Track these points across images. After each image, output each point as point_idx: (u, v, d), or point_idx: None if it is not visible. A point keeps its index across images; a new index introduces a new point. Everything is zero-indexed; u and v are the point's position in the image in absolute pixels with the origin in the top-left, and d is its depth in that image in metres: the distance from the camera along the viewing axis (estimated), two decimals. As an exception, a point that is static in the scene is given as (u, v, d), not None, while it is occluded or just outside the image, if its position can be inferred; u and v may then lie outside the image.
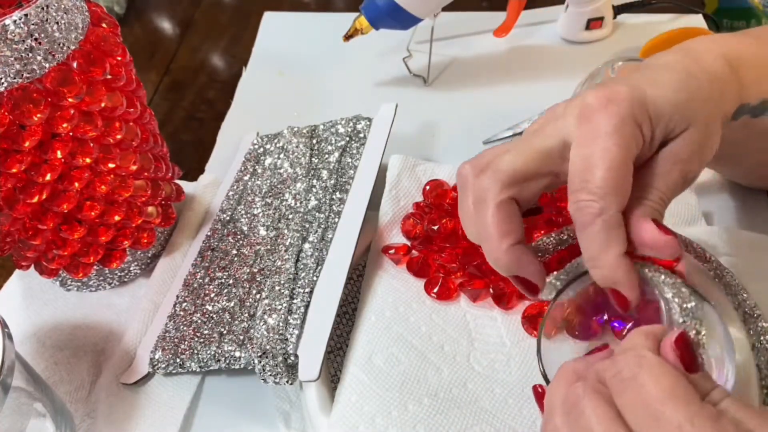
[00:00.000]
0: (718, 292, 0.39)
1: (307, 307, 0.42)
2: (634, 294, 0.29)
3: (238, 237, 0.50)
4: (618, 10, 0.69)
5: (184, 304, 0.46)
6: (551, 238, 0.37)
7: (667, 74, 0.31)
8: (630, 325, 0.36)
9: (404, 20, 0.58)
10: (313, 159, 0.52)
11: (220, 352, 0.41)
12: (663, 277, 0.30)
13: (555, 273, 0.34)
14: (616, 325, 0.36)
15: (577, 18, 0.67)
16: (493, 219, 0.31)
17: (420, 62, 0.66)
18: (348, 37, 0.61)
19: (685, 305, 0.29)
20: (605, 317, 0.37)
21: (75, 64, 0.38)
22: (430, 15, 0.59)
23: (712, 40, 0.33)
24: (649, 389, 0.24)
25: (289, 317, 0.41)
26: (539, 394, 0.32)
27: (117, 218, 0.45)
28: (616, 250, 0.29)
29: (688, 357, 0.26)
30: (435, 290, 0.43)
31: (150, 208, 0.48)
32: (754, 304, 0.37)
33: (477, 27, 0.71)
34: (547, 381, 0.33)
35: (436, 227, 0.45)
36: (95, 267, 0.47)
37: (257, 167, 0.55)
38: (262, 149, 0.56)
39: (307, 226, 0.47)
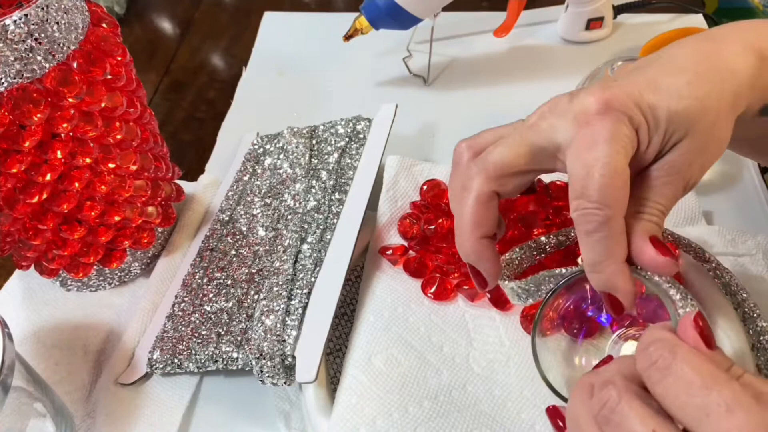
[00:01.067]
0: (717, 292, 0.39)
1: (305, 308, 0.42)
2: (630, 301, 0.30)
3: (237, 237, 0.50)
4: (618, 10, 0.69)
5: (183, 304, 0.46)
6: (550, 239, 0.38)
7: (672, 77, 0.30)
8: (627, 323, 0.37)
9: (404, 20, 0.58)
10: (312, 159, 0.52)
11: (217, 352, 0.41)
12: (657, 278, 0.30)
13: (518, 281, 0.34)
14: (603, 320, 0.36)
15: (577, 18, 0.67)
16: (470, 208, 0.32)
17: (420, 62, 0.66)
18: (348, 37, 0.61)
19: (688, 298, 0.29)
20: (603, 316, 0.37)
21: (75, 64, 0.38)
22: (430, 15, 0.59)
23: (749, 28, 0.32)
24: (689, 376, 0.24)
25: (286, 318, 0.41)
26: (553, 413, 0.31)
27: (117, 218, 0.45)
28: (618, 259, 0.29)
29: (708, 333, 0.26)
30: (432, 290, 0.43)
31: (150, 208, 0.48)
32: (754, 303, 0.37)
33: (477, 27, 0.71)
34: (546, 381, 0.33)
35: (432, 227, 0.45)
36: (95, 267, 0.47)
37: (257, 167, 0.55)
38: (261, 149, 0.56)
39: (305, 226, 0.47)
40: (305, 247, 0.46)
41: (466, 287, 0.42)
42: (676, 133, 0.29)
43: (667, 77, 0.30)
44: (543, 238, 0.38)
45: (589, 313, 0.37)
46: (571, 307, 0.36)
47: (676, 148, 0.30)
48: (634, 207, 0.30)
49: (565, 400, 0.32)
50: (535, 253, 0.38)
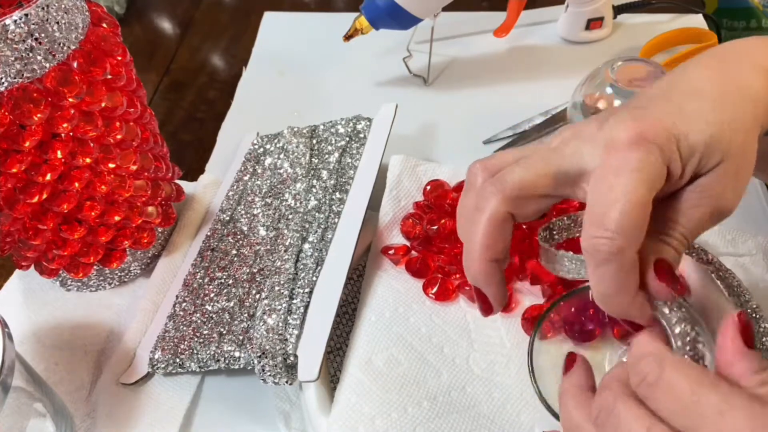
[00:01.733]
0: (720, 295, 0.39)
1: (306, 307, 0.42)
2: (647, 322, 0.29)
3: (238, 237, 0.50)
4: (618, 10, 0.69)
5: (184, 304, 0.46)
6: (563, 223, 0.36)
7: (698, 102, 0.29)
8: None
9: (404, 20, 0.58)
10: (313, 159, 0.52)
11: (219, 352, 0.41)
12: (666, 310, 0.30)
13: (573, 253, 0.32)
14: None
15: (577, 18, 0.67)
16: (483, 229, 0.31)
17: (420, 62, 0.66)
18: (348, 37, 0.61)
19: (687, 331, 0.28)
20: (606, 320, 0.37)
21: (75, 64, 0.38)
22: (430, 15, 0.59)
23: (755, 47, 0.32)
24: (678, 385, 0.24)
25: (288, 317, 0.41)
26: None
27: (117, 218, 0.45)
28: (630, 291, 0.28)
29: (750, 331, 0.26)
30: (433, 291, 0.43)
31: (150, 208, 0.48)
32: (757, 305, 0.37)
33: (477, 27, 0.71)
34: (534, 379, 0.32)
35: (435, 228, 0.45)
36: (95, 267, 0.47)
37: (257, 167, 0.55)
38: (262, 149, 0.56)
39: (306, 226, 0.47)
40: (306, 246, 0.45)
41: (467, 288, 0.42)
42: (710, 159, 0.28)
43: (692, 103, 0.29)
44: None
45: (590, 326, 0.37)
46: (574, 310, 0.36)
47: (712, 173, 0.29)
48: (656, 226, 0.29)
49: (548, 407, 0.32)
50: (573, 227, 0.36)
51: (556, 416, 0.32)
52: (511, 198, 0.30)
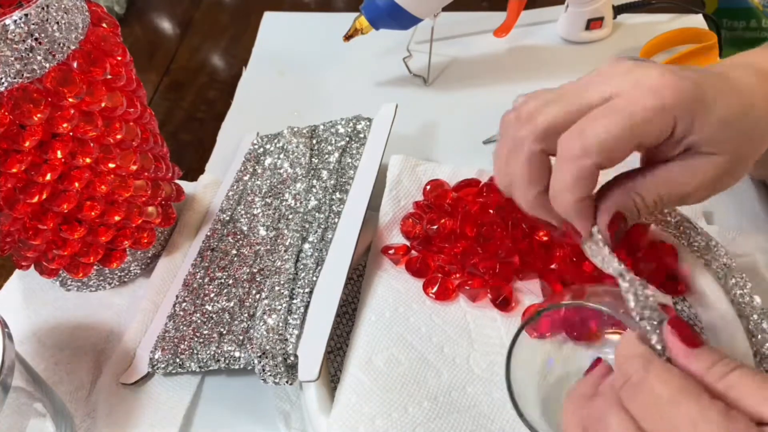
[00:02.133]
0: (722, 298, 0.39)
1: (306, 307, 0.42)
2: (585, 230, 0.32)
3: (238, 237, 0.50)
4: (618, 10, 0.69)
5: (184, 304, 0.46)
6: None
7: (734, 97, 0.30)
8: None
9: (404, 20, 0.58)
10: (313, 159, 0.52)
11: (219, 352, 0.41)
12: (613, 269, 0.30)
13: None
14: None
15: (577, 18, 0.67)
16: (523, 168, 0.33)
17: (420, 62, 0.66)
18: (348, 37, 0.61)
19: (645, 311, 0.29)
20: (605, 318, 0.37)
21: (75, 64, 0.38)
22: (430, 15, 0.59)
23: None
24: (659, 390, 0.24)
25: (288, 317, 0.41)
26: None
27: (117, 218, 0.45)
28: (577, 195, 0.30)
29: (687, 333, 0.26)
30: (433, 290, 0.43)
31: (150, 208, 0.48)
32: (726, 263, 0.39)
33: (477, 27, 0.71)
34: (508, 371, 0.32)
35: (435, 227, 0.45)
36: (95, 267, 0.47)
37: (257, 167, 0.55)
38: (262, 149, 0.56)
39: (306, 226, 0.47)
40: (306, 246, 0.45)
41: (467, 287, 0.42)
42: (715, 145, 0.30)
43: (731, 96, 0.30)
44: None
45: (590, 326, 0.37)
46: (568, 314, 0.36)
47: (710, 160, 0.30)
48: (632, 184, 0.32)
49: (514, 402, 0.32)
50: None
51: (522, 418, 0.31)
52: (544, 137, 0.32)
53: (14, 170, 0.38)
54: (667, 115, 0.29)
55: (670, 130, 0.29)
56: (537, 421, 0.31)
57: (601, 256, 0.32)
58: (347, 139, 0.52)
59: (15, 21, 0.35)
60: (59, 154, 0.39)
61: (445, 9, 0.59)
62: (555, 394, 0.35)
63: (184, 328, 0.44)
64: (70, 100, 0.38)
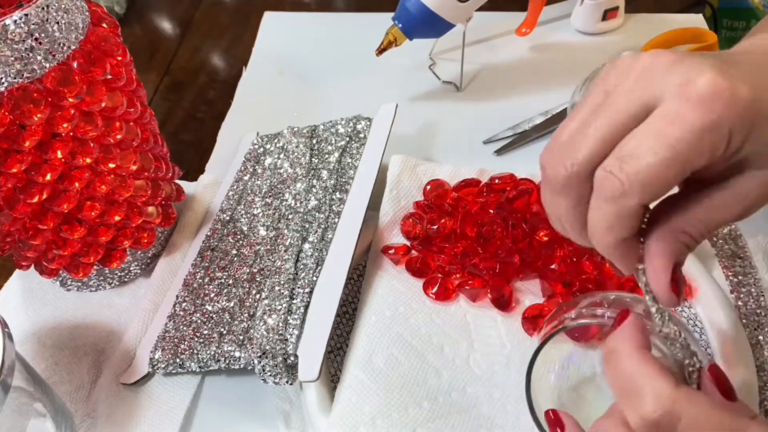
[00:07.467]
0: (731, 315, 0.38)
1: (306, 307, 0.42)
2: (628, 269, 0.28)
3: (238, 237, 0.50)
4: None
5: (184, 304, 0.46)
6: None
7: None
8: None
9: (439, 27, 0.58)
10: (313, 159, 0.52)
11: (219, 352, 0.41)
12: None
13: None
14: None
15: (595, 9, 0.68)
16: (574, 215, 0.28)
17: (443, 69, 0.66)
18: (381, 50, 0.60)
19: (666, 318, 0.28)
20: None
21: (75, 64, 0.38)
22: (464, 20, 0.59)
23: None
24: None
25: (288, 317, 0.41)
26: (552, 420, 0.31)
27: (117, 218, 0.45)
28: (619, 236, 0.26)
29: (727, 386, 0.26)
30: (433, 291, 0.43)
31: (150, 208, 0.48)
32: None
33: (485, 27, 0.71)
34: (528, 383, 0.32)
35: (435, 227, 0.45)
36: (95, 267, 0.47)
37: (257, 167, 0.55)
38: (262, 149, 0.56)
39: (306, 226, 0.47)
40: (306, 246, 0.45)
41: (467, 287, 0.42)
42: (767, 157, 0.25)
43: None
44: None
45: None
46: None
47: (756, 177, 0.26)
48: (676, 220, 0.27)
49: (532, 409, 0.32)
50: None
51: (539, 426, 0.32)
52: (585, 176, 0.27)
53: (14, 170, 0.38)
54: (722, 132, 0.24)
55: (725, 147, 0.24)
56: None
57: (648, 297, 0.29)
58: (347, 139, 0.52)
59: (15, 21, 0.35)
60: (59, 154, 0.39)
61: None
62: (571, 401, 0.35)
63: (184, 328, 0.44)
64: (70, 100, 0.38)
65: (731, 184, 0.26)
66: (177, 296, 0.47)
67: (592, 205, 0.27)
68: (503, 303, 0.42)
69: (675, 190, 0.29)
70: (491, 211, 0.45)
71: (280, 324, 0.40)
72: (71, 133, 0.40)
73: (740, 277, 0.40)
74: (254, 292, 0.45)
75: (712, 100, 0.23)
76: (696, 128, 0.24)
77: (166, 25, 0.82)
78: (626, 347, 0.27)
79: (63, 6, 0.37)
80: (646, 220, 0.28)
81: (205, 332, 0.43)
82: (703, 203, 0.27)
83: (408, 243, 0.46)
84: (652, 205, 0.28)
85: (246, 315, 0.43)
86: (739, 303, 0.39)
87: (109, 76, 0.40)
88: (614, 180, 0.25)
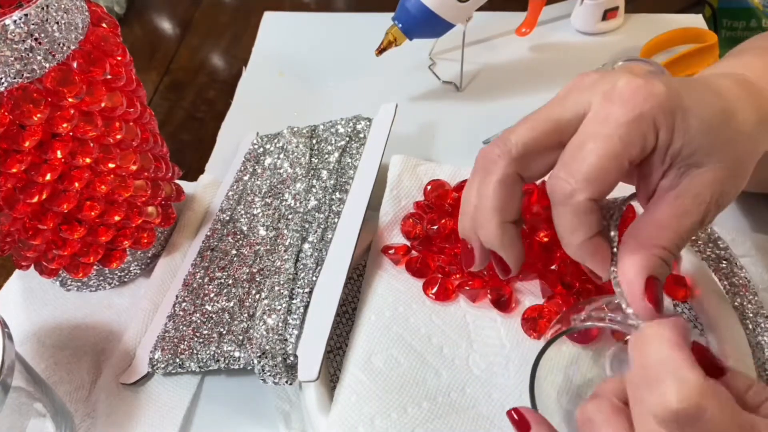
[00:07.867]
0: (715, 293, 0.39)
1: (306, 307, 0.42)
2: (602, 272, 0.30)
3: (238, 237, 0.50)
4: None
5: (184, 304, 0.46)
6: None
7: (713, 99, 0.29)
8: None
9: (439, 27, 0.58)
10: (312, 159, 0.52)
11: (219, 352, 0.41)
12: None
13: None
14: None
15: (595, 9, 0.68)
16: (492, 193, 0.31)
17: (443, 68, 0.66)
18: (381, 50, 0.60)
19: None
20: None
21: (75, 64, 0.38)
22: (464, 20, 0.59)
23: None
24: None
25: (288, 317, 0.41)
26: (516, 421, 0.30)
27: (117, 218, 0.45)
28: (582, 235, 0.29)
29: (715, 362, 0.26)
30: (433, 291, 0.43)
31: (150, 208, 0.48)
32: (756, 309, 0.37)
33: (485, 27, 0.71)
34: (532, 384, 0.32)
35: (435, 227, 0.45)
36: (95, 267, 0.47)
37: (257, 167, 0.55)
38: (262, 149, 0.56)
39: (306, 226, 0.47)
40: (306, 246, 0.45)
41: (467, 287, 0.42)
42: (702, 154, 0.28)
43: (712, 97, 0.29)
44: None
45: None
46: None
47: (704, 176, 0.28)
48: (648, 236, 0.29)
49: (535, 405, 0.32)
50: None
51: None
52: (517, 158, 0.30)
53: (14, 170, 0.38)
54: (647, 123, 0.27)
55: (654, 139, 0.27)
56: None
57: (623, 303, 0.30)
58: (347, 138, 0.52)
59: (15, 21, 0.35)
60: (59, 154, 0.39)
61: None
62: (574, 403, 0.35)
63: (184, 328, 0.44)
64: (70, 100, 0.38)
65: (685, 189, 0.28)
66: (177, 296, 0.47)
67: (554, 213, 0.29)
68: (503, 304, 0.42)
69: (640, 210, 0.31)
70: (491, 211, 0.45)
71: (280, 324, 0.40)
72: (71, 133, 0.40)
73: (731, 279, 0.40)
74: (254, 292, 0.45)
75: (633, 97, 0.27)
76: (623, 123, 0.27)
77: (166, 25, 0.82)
78: (664, 333, 0.27)
79: (63, 6, 0.37)
80: (616, 245, 0.30)
81: (205, 332, 0.43)
82: (666, 213, 0.29)
83: (408, 243, 0.46)
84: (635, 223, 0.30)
85: (246, 315, 0.43)
86: (736, 304, 0.39)
87: (109, 76, 0.40)
88: (563, 183, 0.28)
